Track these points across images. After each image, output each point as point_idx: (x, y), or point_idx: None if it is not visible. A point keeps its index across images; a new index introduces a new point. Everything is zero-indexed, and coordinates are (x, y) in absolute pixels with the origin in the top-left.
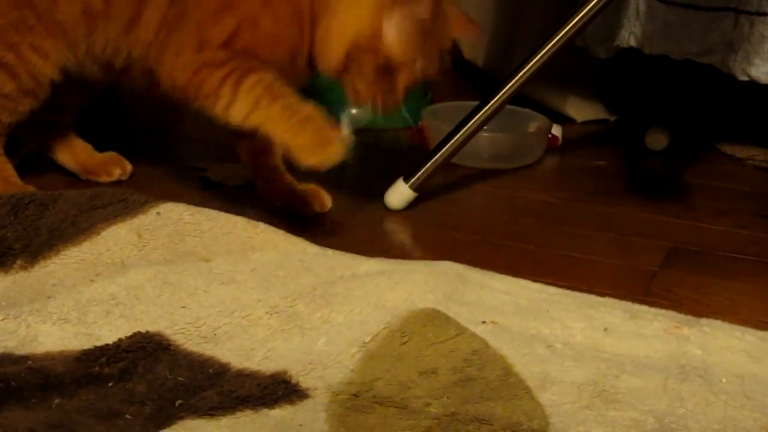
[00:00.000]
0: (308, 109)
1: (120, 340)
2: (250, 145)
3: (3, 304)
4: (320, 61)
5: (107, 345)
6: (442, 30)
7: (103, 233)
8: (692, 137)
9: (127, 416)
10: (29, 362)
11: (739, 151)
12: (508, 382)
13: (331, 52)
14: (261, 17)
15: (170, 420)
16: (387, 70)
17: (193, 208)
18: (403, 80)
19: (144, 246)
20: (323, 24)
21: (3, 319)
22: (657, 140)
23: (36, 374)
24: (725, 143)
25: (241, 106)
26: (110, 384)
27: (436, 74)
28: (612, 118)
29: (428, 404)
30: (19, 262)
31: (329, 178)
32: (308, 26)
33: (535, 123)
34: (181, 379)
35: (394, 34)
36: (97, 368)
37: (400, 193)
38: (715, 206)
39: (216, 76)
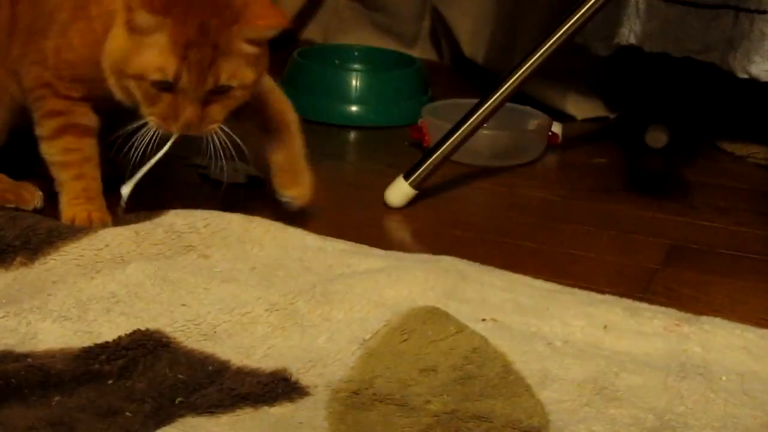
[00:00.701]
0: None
1: (120, 337)
2: None
3: (3, 301)
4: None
5: (107, 342)
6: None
7: (101, 231)
8: (692, 135)
9: (127, 413)
10: (29, 360)
11: (739, 149)
12: (508, 380)
13: (106, 70)
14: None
15: (170, 417)
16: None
17: (184, 212)
18: (189, 101)
19: (142, 242)
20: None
21: (3, 317)
22: (657, 138)
23: (36, 372)
24: (725, 141)
25: (50, 151)
26: (110, 381)
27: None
28: (612, 116)
29: (428, 402)
30: (19, 258)
31: (329, 175)
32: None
33: (535, 120)
34: (181, 376)
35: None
36: (97, 366)
37: (400, 191)
38: (715, 204)
39: (51, 105)
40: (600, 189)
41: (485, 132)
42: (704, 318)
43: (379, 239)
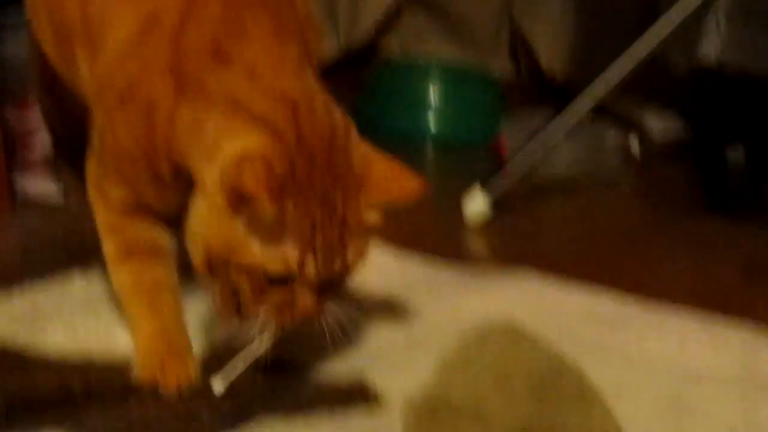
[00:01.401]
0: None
1: None
2: None
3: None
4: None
5: None
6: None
7: None
8: None
9: (203, 416)
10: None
11: None
12: (583, 393)
13: (192, 251)
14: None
15: (247, 420)
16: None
17: None
18: (307, 290)
19: None
20: (192, 201)
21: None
22: (736, 156)
23: (115, 379)
24: None
25: (114, 279)
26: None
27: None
28: (691, 134)
29: (503, 416)
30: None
31: None
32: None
33: (613, 136)
34: (258, 378)
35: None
36: None
37: (478, 205)
38: None
39: (104, 217)
40: (678, 205)
41: (564, 146)
42: None
43: (456, 254)
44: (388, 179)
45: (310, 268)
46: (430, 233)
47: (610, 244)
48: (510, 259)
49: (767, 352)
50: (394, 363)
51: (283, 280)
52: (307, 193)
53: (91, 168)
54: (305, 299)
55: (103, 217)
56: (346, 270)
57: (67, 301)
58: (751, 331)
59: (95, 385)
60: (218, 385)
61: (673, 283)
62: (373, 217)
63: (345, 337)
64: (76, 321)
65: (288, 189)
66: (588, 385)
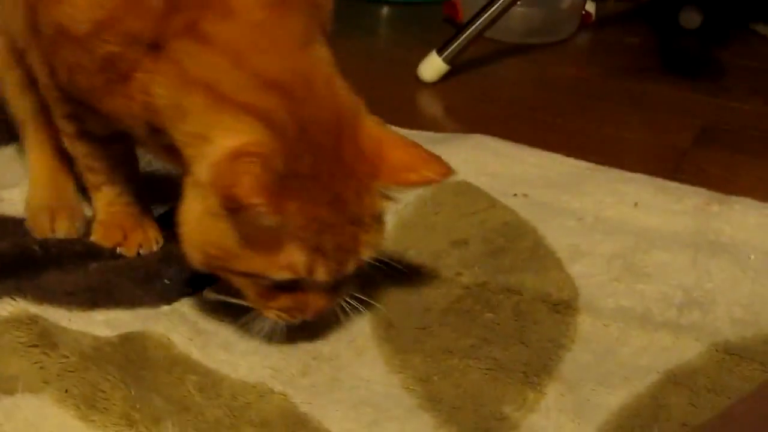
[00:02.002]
0: (133, 209)
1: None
2: None
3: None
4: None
5: None
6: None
7: None
8: (726, 16)
9: (165, 280)
10: None
11: None
12: (539, 254)
13: (188, 252)
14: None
15: (207, 283)
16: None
17: None
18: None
19: None
20: (186, 185)
21: None
22: (691, 18)
23: (76, 243)
24: (759, 23)
25: (72, 150)
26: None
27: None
28: None
29: (459, 274)
30: None
31: (362, 48)
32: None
33: None
34: None
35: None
36: None
37: (433, 66)
38: (748, 86)
39: (63, 108)
40: (632, 69)
41: (519, 8)
42: (734, 198)
43: (412, 115)
44: (405, 166)
45: (321, 273)
46: (385, 97)
47: (564, 108)
48: (465, 123)
49: (722, 217)
50: None
51: (292, 284)
52: (313, 192)
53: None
54: (317, 300)
55: (64, 109)
56: (362, 264)
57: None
58: (704, 195)
59: (54, 249)
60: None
61: (627, 146)
62: (384, 205)
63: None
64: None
65: (290, 190)
66: (544, 247)
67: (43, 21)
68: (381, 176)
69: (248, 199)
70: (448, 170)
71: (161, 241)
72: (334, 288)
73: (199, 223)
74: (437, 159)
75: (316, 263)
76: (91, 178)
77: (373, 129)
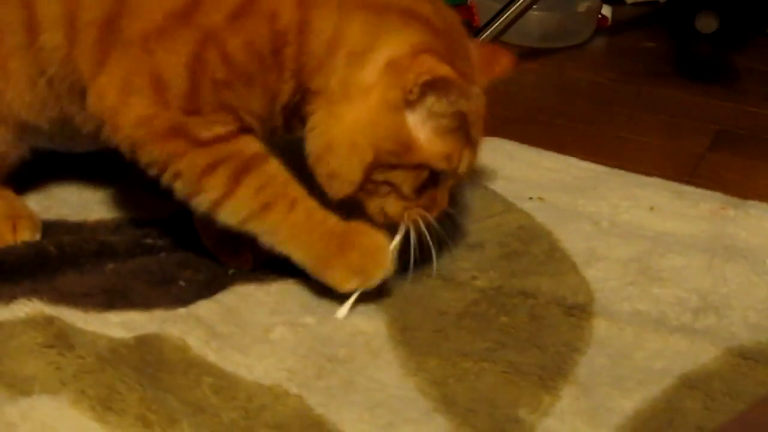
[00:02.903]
0: (339, 220)
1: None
2: None
3: None
4: (326, 187)
5: (161, 218)
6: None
7: None
8: (742, 21)
9: (180, 282)
10: (83, 230)
11: None
12: (554, 258)
13: (343, 175)
14: (228, 36)
15: (223, 286)
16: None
17: None
18: (447, 186)
19: None
20: (318, 132)
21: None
22: (707, 23)
23: (90, 242)
24: None
25: (241, 208)
26: (163, 254)
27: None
28: (662, 0)
29: (475, 277)
30: None
31: None
32: (291, 78)
33: (584, 3)
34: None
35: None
36: (150, 240)
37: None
38: (764, 90)
39: (197, 160)
40: (648, 73)
41: (535, 13)
42: (750, 202)
43: None
44: (488, 61)
45: (464, 164)
46: None
47: (580, 111)
48: None
49: (737, 221)
50: None
51: (435, 180)
52: (462, 87)
53: (150, 112)
54: (444, 196)
55: (196, 163)
56: None
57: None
58: (720, 200)
59: (69, 248)
60: (341, 313)
61: (643, 150)
62: None
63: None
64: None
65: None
66: (560, 251)
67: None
68: (485, 71)
69: (448, 76)
70: (513, 57)
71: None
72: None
73: (372, 122)
74: (501, 50)
75: (464, 154)
76: (273, 217)
77: None
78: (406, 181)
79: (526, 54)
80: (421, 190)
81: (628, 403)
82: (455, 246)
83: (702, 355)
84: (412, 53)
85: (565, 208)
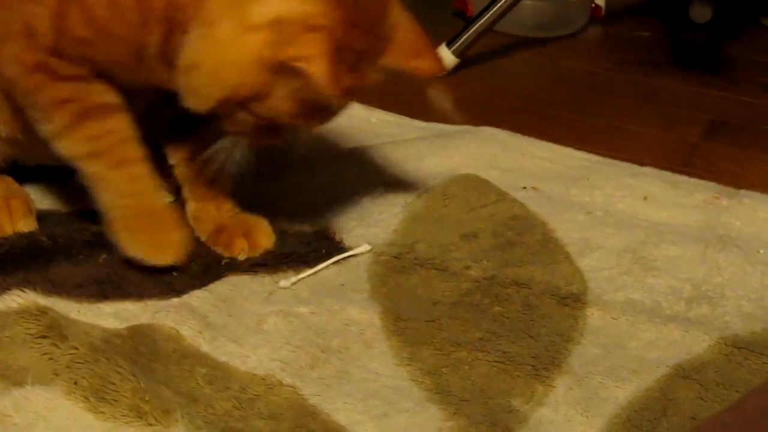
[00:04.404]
0: (155, 199)
1: None
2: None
3: None
4: (183, 97)
5: None
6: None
7: None
8: (736, 10)
9: (173, 273)
10: (76, 220)
11: None
12: (548, 247)
13: (199, 96)
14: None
15: (216, 277)
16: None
17: None
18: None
19: None
20: (189, 48)
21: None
22: (701, 12)
23: (83, 232)
24: None
25: (69, 146)
26: None
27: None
28: None
29: (468, 267)
30: None
31: None
32: (160, 27)
33: None
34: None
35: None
36: None
37: (442, 59)
38: (758, 80)
39: (53, 93)
40: (643, 62)
41: (528, 2)
42: (743, 192)
43: (422, 108)
44: (409, 51)
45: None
46: (395, 90)
47: (574, 101)
48: (475, 116)
49: (731, 211)
50: (360, 217)
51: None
52: (359, 66)
53: (24, 54)
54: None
55: (52, 94)
56: None
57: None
58: (714, 189)
59: (62, 239)
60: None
61: (637, 140)
62: (378, 75)
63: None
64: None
65: (344, 58)
66: (553, 241)
67: None
68: (388, 51)
69: (320, 82)
70: (438, 69)
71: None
72: None
73: (238, 66)
74: (436, 56)
75: (313, 122)
76: (94, 167)
77: (396, 6)
78: (248, 121)
79: (520, 43)
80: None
81: (622, 393)
82: (449, 235)
83: (696, 344)
84: (302, 26)
85: (559, 197)
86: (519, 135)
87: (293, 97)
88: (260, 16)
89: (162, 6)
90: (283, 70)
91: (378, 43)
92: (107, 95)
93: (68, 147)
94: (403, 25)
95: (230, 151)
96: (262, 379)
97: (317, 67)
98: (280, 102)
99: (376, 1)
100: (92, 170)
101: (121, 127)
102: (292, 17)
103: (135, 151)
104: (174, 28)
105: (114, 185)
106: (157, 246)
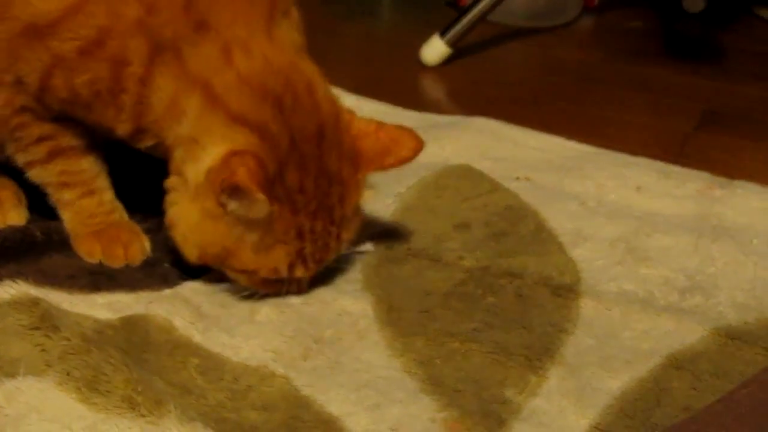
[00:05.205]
0: (117, 216)
1: None
2: None
3: None
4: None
5: (145, 201)
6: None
7: None
8: (729, 1)
9: (165, 264)
10: None
11: None
12: (541, 237)
13: (183, 250)
14: (75, 68)
15: (207, 270)
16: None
17: None
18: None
19: None
20: (170, 183)
21: None
22: (694, 3)
23: None
24: (762, 7)
25: (44, 174)
26: (148, 236)
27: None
28: None
29: (461, 257)
30: None
31: (364, 31)
32: (129, 120)
33: None
34: None
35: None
36: (135, 222)
37: (436, 49)
38: (751, 70)
39: (36, 131)
40: (635, 52)
41: None
42: (737, 182)
43: (414, 98)
44: (379, 152)
45: (300, 271)
46: (388, 80)
47: (567, 91)
48: (468, 107)
49: (725, 201)
50: None
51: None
52: (299, 204)
53: (12, 98)
54: (300, 285)
55: (37, 132)
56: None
57: None
58: (706, 180)
59: (56, 235)
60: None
61: (630, 130)
62: (366, 192)
63: None
64: None
65: (278, 194)
66: (546, 231)
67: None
68: (362, 167)
69: (244, 183)
70: (419, 143)
71: (148, 250)
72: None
73: (198, 225)
74: (407, 134)
75: (296, 265)
76: (66, 195)
77: (352, 125)
78: (240, 279)
79: (513, 33)
80: (264, 282)
81: (615, 383)
82: (442, 226)
83: (689, 335)
84: (229, 155)
85: (552, 187)
86: (512, 125)
87: (249, 232)
88: (199, 175)
89: (131, 104)
90: (223, 206)
91: (332, 181)
92: (83, 138)
93: (40, 175)
94: (365, 139)
95: None
96: (255, 369)
97: (238, 173)
98: (245, 244)
99: (312, 138)
100: (62, 197)
101: (92, 166)
102: (217, 160)
103: (103, 181)
104: (148, 132)
105: (81, 209)
106: (115, 254)
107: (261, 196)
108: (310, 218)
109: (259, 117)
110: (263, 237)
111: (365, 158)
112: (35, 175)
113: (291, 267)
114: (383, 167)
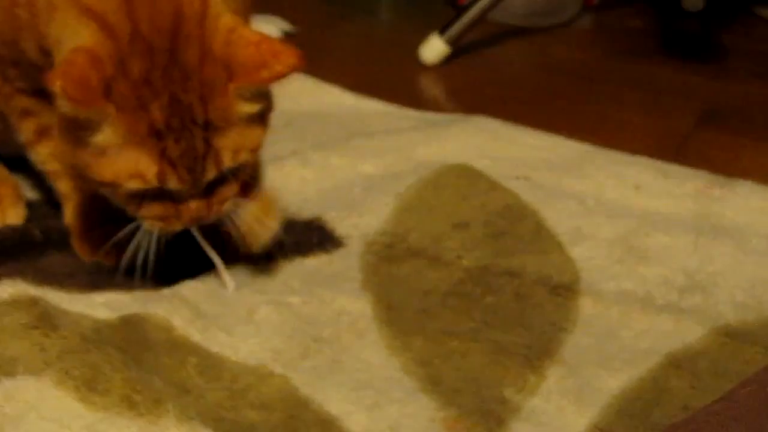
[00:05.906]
0: None
1: None
2: None
3: None
4: None
5: None
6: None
7: None
8: (728, 0)
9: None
10: None
11: None
12: (540, 237)
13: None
14: None
15: (212, 266)
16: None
17: None
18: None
19: None
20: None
21: None
22: (693, 2)
23: None
24: (762, 7)
25: (36, 158)
26: None
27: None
28: None
29: (460, 257)
30: None
31: (363, 30)
32: (30, 38)
33: None
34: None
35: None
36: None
37: (434, 48)
38: (750, 69)
39: (18, 103)
40: (635, 51)
41: None
42: (736, 181)
43: (413, 97)
44: (256, 62)
45: (173, 181)
46: (386, 79)
47: (566, 90)
48: (466, 106)
49: (724, 200)
50: (351, 206)
51: (160, 193)
52: (147, 97)
53: None
54: (190, 207)
55: (19, 103)
56: (230, 169)
57: None
58: (706, 179)
59: (55, 235)
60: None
61: (629, 129)
62: (252, 107)
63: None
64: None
65: (116, 92)
66: (545, 230)
67: None
68: (233, 77)
69: (64, 91)
70: (297, 61)
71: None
72: (207, 194)
73: (59, 139)
74: (288, 50)
75: (165, 171)
76: (61, 185)
77: (226, 27)
78: (116, 197)
79: (512, 32)
80: (146, 203)
81: (615, 383)
82: (440, 225)
83: (688, 334)
84: (60, 61)
85: (551, 186)
86: (511, 124)
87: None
88: None
89: (26, 18)
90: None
91: (189, 77)
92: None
93: (36, 161)
94: (239, 44)
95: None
96: (254, 369)
97: (59, 71)
98: (100, 150)
99: (164, 30)
100: (59, 187)
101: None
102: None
103: None
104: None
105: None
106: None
107: (80, 97)
108: (163, 113)
109: (101, 7)
110: (112, 137)
111: (242, 67)
112: (34, 160)
113: (161, 175)
114: (259, 80)
